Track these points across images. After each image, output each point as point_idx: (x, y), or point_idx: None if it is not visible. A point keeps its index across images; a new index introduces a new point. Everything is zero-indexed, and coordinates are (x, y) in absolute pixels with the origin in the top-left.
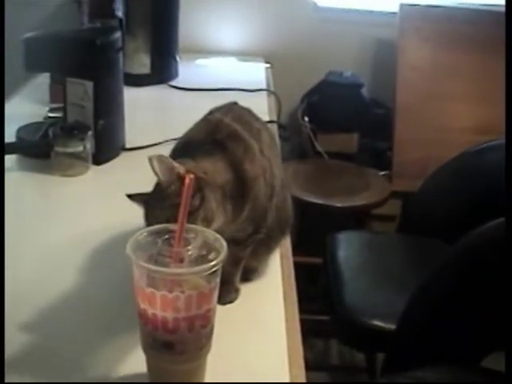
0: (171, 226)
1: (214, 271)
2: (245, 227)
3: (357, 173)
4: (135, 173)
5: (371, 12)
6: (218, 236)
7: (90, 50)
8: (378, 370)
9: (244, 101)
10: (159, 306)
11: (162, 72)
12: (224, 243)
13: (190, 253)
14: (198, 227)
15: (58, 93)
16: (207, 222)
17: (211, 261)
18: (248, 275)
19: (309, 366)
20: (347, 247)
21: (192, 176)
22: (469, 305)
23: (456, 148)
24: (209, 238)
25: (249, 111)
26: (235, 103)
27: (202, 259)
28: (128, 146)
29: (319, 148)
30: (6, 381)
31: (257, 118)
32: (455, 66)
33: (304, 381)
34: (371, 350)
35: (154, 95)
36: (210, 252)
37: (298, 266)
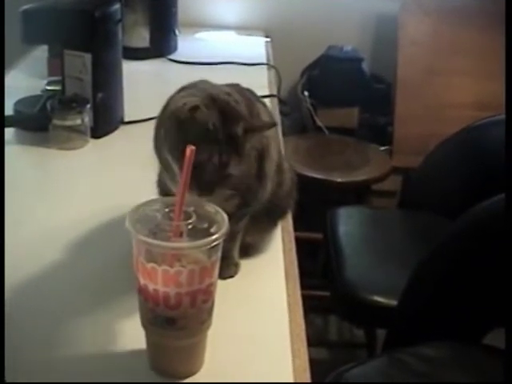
0: (171, 200)
1: (216, 245)
2: (229, 197)
3: (357, 148)
4: (134, 146)
5: None
6: (218, 209)
7: (88, 22)
8: (377, 345)
9: (244, 75)
10: (160, 281)
11: (161, 46)
12: (225, 216)
13: (190, 226)
14: (199, 200)
15: (56, 66)
16: None
17: (213, 234)
18: (247, 251)
19: (308, 342)
20: (347, 222)
21: (193, 147)
22: (470, 281)
23: (457, 124)
24: (209, 211)
25: (250, 91)
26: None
27: (202, 232)
28: (126, 119)
29: (319, 123)
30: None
31: (258, 98)
32: (457, 40)
33: (306, 355)
34: (371, 326)
35: (152, 69)
36: (212, 225)
37: (297, 242)
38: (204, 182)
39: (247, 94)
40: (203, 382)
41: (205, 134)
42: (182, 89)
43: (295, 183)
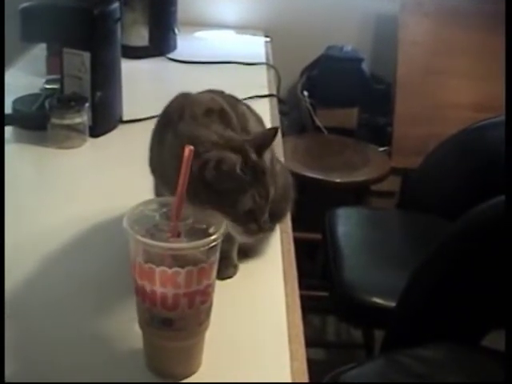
0: (169, 200)
1: (214, 246)
2: None
3: (356, 148)
4: (132, 145)
5: None
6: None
7: (87, 20)
8: (375, 346)
9: (243, 74)
10: (158, 281)
11: (160, 44)
12: (222, 217)
13: (188, 227)
14: None
15: (54, 64)
16: None
17: (211, 235)
18: (246, 253)
19: (306, 343)
20: (346, 223)
21: (192, 148)
22: (469, 282)
23: (456, 124)
24: (207, 212)
25: (232, 96)
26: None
27: (200, 233)
28: (125, 118)
29: (318, 123)
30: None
31: (242, 103)
32: (456, 41)
33: (304, 357)
34: (369, 327)
35: (152, 68)
36: (210, 226)
37: (296, 242)
38: (261, 221)
39: (229, 99)
40: (200, 383)
41: (237, 182)
42: (167, 122)
43: (291, 184)
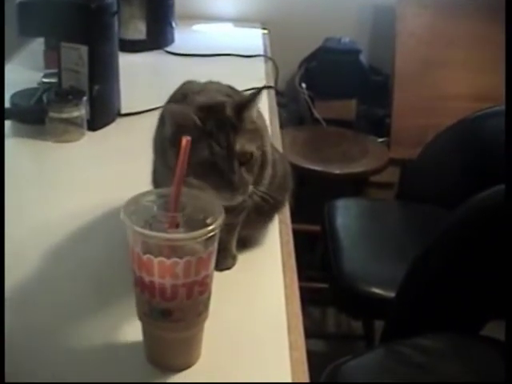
0: (167, 191)
1: (212, 236)
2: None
3: (355, 140)
4: (130, 138)
5: None
6: (214, 200)
7: (84, 14)
8: (375, 337)
9: (241, 67)
10: (157, 272)
11: (157, 38)
12: (221, 207)
13: (186, 217)
14: (194, 191)
15: (52, 58)
16: None
17: (208, 225)
18: (244, 244)
19: (306, 334)
20: (345, 214)
21: (189, 138)
22: (468, 272)
23: (455, 115)
24: (206, 202)
25: (230, 87)
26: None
27: (198, 223)
28: (123, 111)
29: (317, 115)
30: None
31: (239, 93)
32: (454, 32)
33: (303, 347)
34: (369, 318)
35: (149, 61)
36: (208, 216)
37: (295, 234)
38: (230, 177)
39: (229, 90)
40: (200, 374)
41: (192, 130)
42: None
43: (290, 174)
